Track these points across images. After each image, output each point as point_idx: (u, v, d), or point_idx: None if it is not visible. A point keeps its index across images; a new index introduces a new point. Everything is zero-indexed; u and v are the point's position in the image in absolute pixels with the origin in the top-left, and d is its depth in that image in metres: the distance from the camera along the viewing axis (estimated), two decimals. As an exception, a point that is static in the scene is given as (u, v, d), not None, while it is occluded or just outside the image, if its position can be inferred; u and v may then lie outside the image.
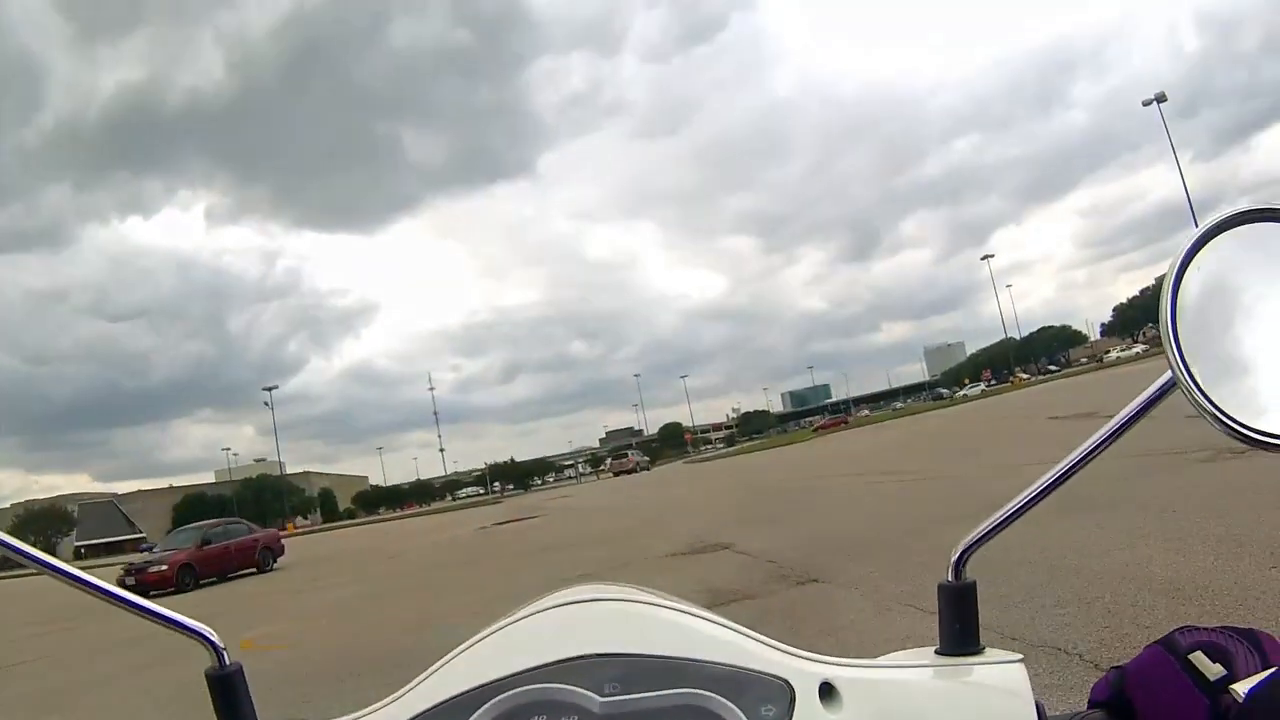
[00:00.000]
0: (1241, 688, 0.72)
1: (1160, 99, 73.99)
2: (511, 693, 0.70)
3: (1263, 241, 0.74)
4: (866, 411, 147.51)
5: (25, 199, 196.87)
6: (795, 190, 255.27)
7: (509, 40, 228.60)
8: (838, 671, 0.75)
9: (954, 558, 0.84)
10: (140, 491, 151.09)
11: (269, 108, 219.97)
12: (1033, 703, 0.75)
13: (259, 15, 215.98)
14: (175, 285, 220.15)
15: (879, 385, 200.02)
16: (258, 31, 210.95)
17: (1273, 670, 0.73)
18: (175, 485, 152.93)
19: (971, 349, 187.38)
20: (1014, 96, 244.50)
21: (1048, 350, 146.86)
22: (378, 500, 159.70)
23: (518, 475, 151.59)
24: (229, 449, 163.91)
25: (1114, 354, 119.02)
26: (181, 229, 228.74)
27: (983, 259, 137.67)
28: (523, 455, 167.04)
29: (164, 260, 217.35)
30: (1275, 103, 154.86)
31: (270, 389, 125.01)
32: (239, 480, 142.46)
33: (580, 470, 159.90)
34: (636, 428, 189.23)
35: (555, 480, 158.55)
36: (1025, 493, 0.82)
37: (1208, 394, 0.70)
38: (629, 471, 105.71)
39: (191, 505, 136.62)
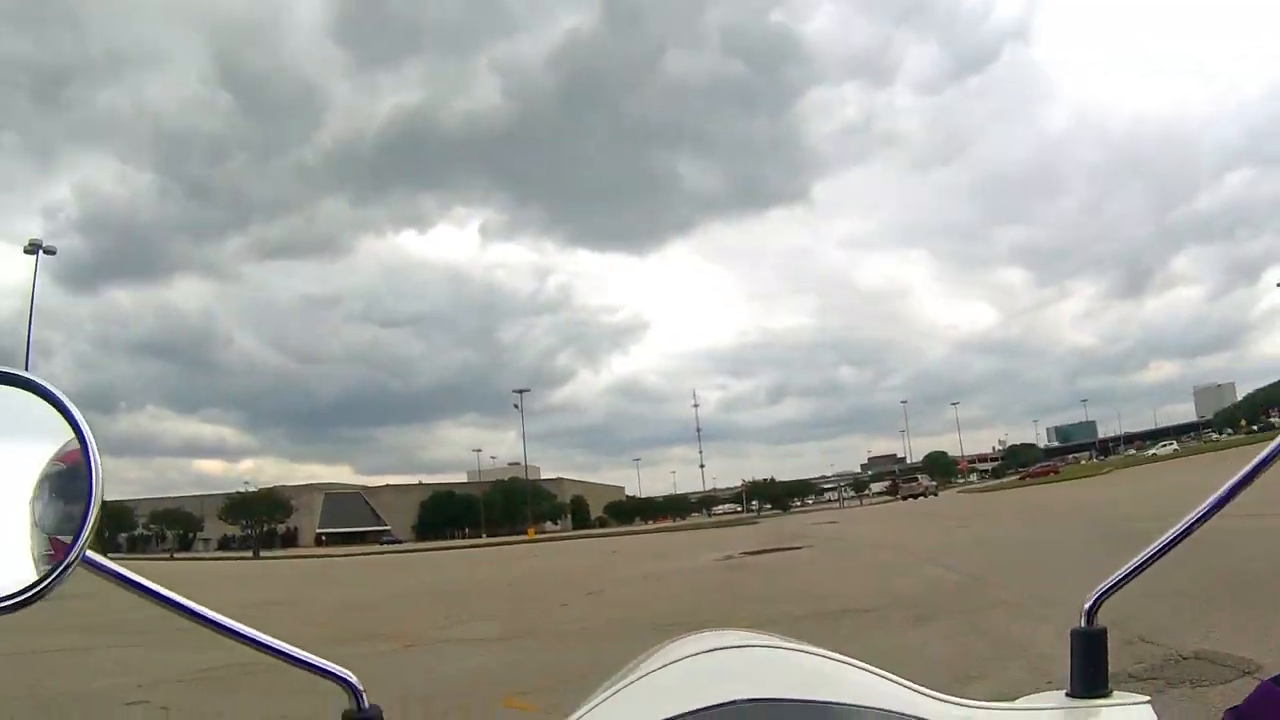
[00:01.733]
0: None
1: None
2: None
3: None
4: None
5: (304, 211, 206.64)
6: (1067, 224, 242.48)
7: (782, 71, 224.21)
8: (976, 714, 0.76)
9: (1087, 605, 0.87)
10: (389, 486, 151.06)
11: (545, 133, 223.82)
12: None
13: (534, 45, 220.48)
14: (447, 296, 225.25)
15: (1145, 424, 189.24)
16: (533, 60, 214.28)
17: None
18: (425, 482, 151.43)
19: (1242, 391, 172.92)
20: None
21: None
22: (631, 511, 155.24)
23: (776, 495, 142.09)
24: (479, 450, 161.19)
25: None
26: (456, 243, 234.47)
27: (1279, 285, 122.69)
28: (782, 476, 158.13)
29: (437, 272, 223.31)
30: None
31: (521, 392, 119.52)
32: (489, 482, 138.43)
33: (843, 494, 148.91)
34: (899, 455, 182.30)
35: (814, 503, 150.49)
36: (1161, 539, 0.83)
37: None
38: (918, 495, 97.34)
39: (440, 503, 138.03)
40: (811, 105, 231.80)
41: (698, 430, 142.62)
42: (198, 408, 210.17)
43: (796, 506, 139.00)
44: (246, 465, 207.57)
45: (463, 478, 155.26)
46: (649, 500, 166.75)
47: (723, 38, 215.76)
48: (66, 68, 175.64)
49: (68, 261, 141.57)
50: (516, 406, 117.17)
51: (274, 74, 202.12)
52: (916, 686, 0.77)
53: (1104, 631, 0.86)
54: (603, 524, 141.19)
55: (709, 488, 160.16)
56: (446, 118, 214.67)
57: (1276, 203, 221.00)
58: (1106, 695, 0.83)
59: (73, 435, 0.70)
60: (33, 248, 53.49)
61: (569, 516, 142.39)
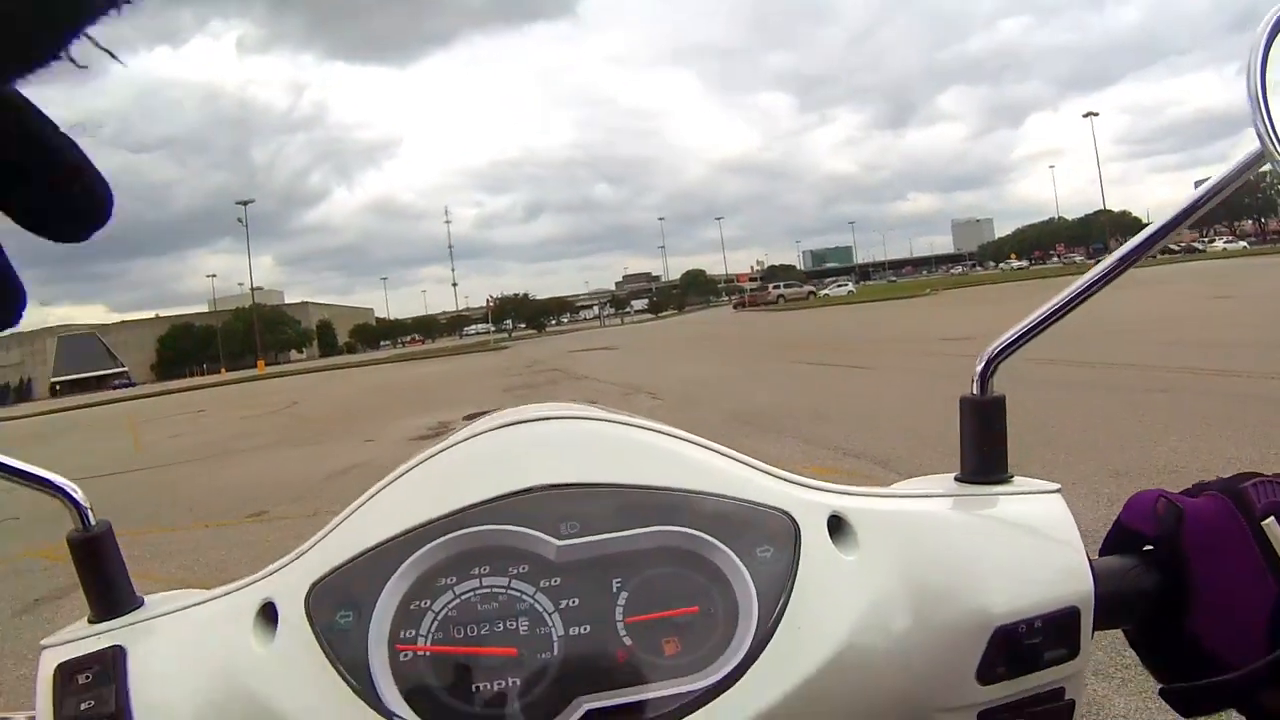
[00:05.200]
0: None
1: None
2: (443, 539, 0.57)
3: None
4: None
5: None
6: (837, 53, 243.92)
7: None
8: (848, 502, 0.63)
9: (979, 368, 0.67)
10: (124, 322, 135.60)
11: None
12: (1079, 542, 0.63)
13: None
14: (201, 116, 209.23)
15: (903, 252, 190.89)
16: None
17: None
18: (162, 315, 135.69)
19: (1000, 229, 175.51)
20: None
21: (1101, 236, 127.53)
22: (378, 335, 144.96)
23: (531, 314, 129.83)
24: (214, 275, 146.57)
25: (1220, 244, 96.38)
26: (211, 59, 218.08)
27: (1085, 116, 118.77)
28: (538, 294, 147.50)
29: (191, 91, 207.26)
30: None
31: (245, 203, 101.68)
32: (229, 310, 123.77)
33: (604, 312, 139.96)
34: (655, 273, 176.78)
35: (570, 322, 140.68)
36: (1062, 294, 0.66)
37: None
38: (769, 303, 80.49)
39: (178, 337, 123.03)
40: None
41: (449, 247, 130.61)
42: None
43: (553, 326, 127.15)
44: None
45: (203, 308, 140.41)
46: (397, 323, 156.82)
47: None
48: None
49: None
50: (240, 220, 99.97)
51: None
52: (779, 472, 0.63)
53: (1002, 400, 0.67)
54: (350, 349, 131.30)
55: (462, 308, 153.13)
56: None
57: (1047, 51, 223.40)
58: (1007, 480, 0.67)
59: None
60: None
61: (316, 343, 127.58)
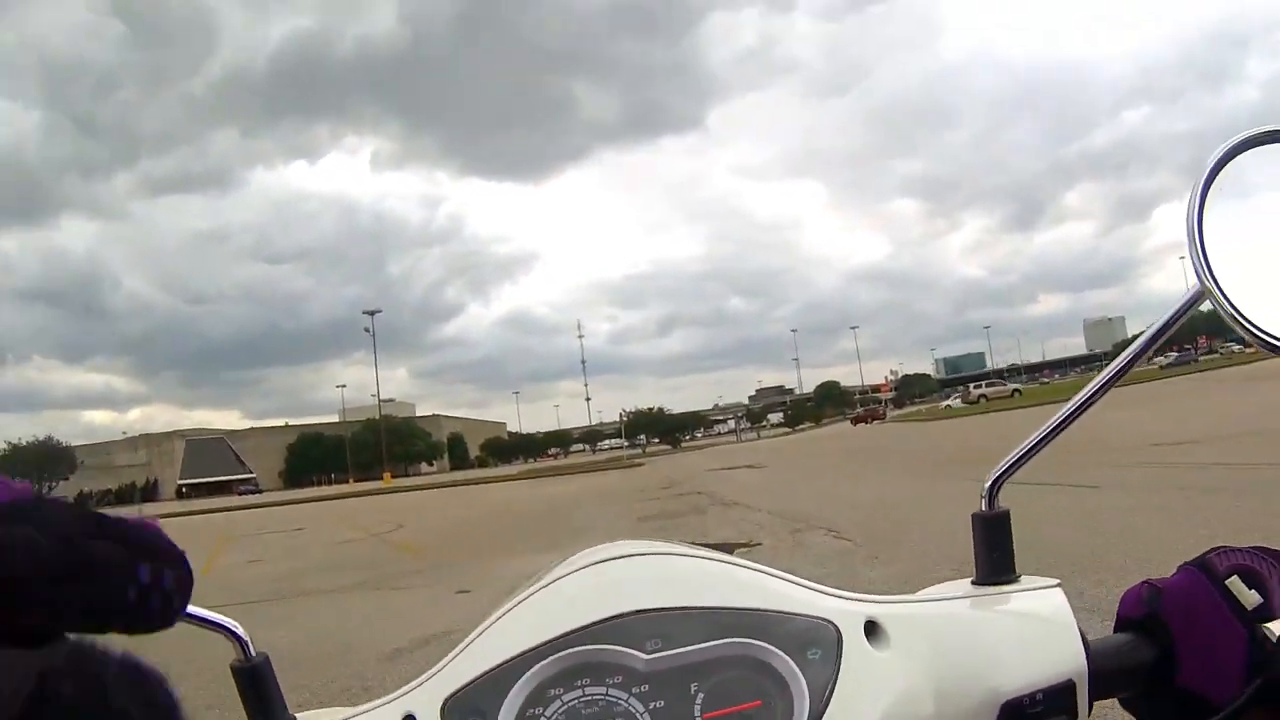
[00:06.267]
0: (1277, 627, 0.70)
1: None
2: (553, 658, 0.67)
3: None
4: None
5: (193, 144, 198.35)
6: (962, 156, 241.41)
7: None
8: (880, 609, 0.73)
9: (986, 486, 0.80)
10: (254, 429, 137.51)
11: (441, 59, 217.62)
12: (1075, 627, 0.74)
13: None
14: (337, 229, 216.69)
15: (1035, 356, 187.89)
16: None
17: None
18: (292, 424, 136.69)
19: (1132, 326, 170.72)
20: (1185, 68, 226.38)
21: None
22: (510, 449, 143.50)
23: (665, 428, 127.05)
24: (344, 386, 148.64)
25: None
26: (346, 173, 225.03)
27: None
28: (672, 408, 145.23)
29: (327, 204, 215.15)
30: None
31: (372, 313, 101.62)
32: (358, 421, 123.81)
33: (739, 426, 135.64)
34: (788, 386, 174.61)
35: (704, 436, 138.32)
36: (1055, 418, 0.79)
37: (1235, 304, 0.69)
38: (971, 402, 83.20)
39: (307, 445, 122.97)
40: (711, 29, 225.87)
41: (583, 362, 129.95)
42: (85, 356, 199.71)
43: (687, 440, 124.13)
44: (135, 415, 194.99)
45: (334, 418, 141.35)
46: (528, 437, 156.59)
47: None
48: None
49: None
50: (367, 330, 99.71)
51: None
52: (818, 586, 0.74)
53: (1007, 514, 0.80)
54: (481, 463, 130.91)
55: (595, 422, 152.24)
56: (340, 43, 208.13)
57: (1170, 139, 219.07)
58: (1014, 580, 0.79)
59: None
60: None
61: (446, 456, 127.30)
